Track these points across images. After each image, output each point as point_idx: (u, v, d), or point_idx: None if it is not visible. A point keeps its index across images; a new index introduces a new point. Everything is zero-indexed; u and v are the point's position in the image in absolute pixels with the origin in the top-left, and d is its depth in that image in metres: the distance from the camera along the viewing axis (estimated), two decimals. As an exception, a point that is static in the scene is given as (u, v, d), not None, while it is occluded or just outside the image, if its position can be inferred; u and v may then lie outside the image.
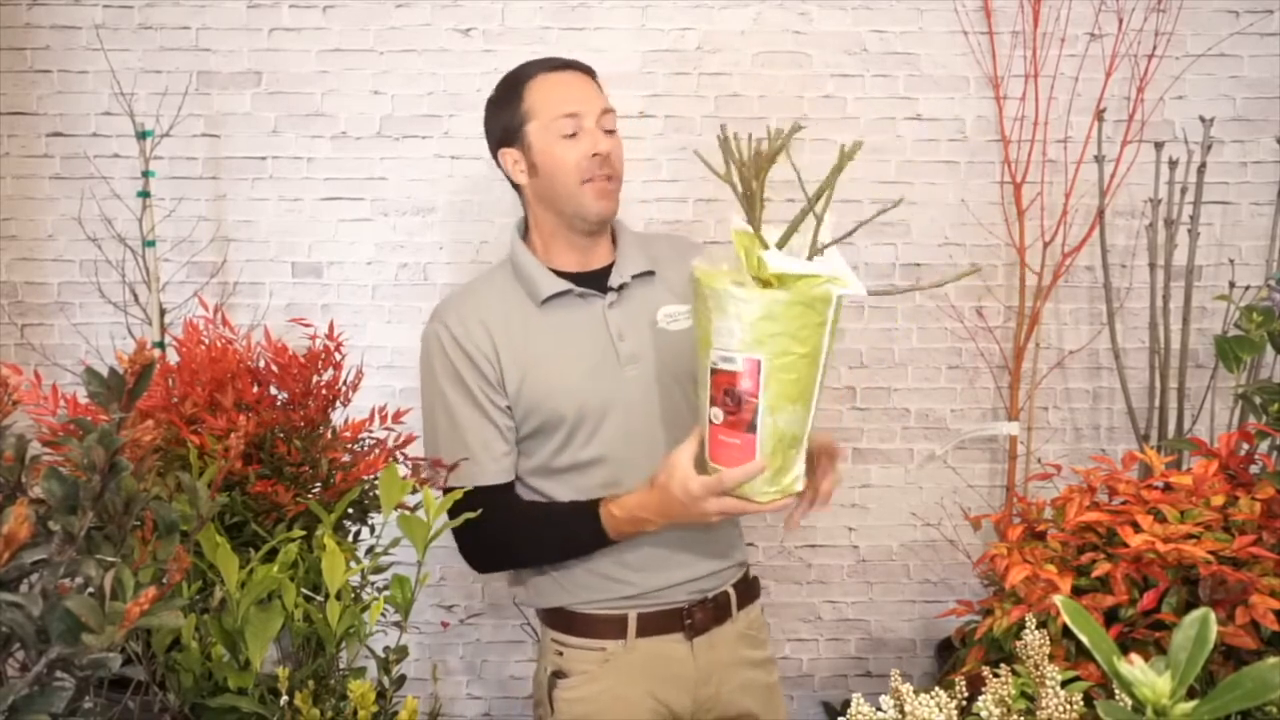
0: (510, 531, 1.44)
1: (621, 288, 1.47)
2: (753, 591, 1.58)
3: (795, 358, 1.18)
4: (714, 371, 1.21)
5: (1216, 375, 2.17)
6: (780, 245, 1.20)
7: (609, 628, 1.46)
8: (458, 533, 1.37)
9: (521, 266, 1.49)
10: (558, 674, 1.48)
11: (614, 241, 1.54)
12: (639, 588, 1.45)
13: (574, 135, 1.42)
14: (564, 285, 1.46)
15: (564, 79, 1.45)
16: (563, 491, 1.46)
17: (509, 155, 1.48)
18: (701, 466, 1.29)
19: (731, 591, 1.52)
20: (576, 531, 1.42)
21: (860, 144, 1.22)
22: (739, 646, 1.52)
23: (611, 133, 1.45)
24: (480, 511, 1.27)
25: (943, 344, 2.28)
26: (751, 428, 1.20)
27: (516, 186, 1.51)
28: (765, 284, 1.19)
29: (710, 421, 1.24)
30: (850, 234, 1.25)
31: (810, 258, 1.19)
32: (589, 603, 1.47)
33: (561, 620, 1.50)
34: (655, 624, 1.46)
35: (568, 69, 1.46)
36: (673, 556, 1.45)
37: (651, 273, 1.51)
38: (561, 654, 1.49)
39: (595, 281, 1.48)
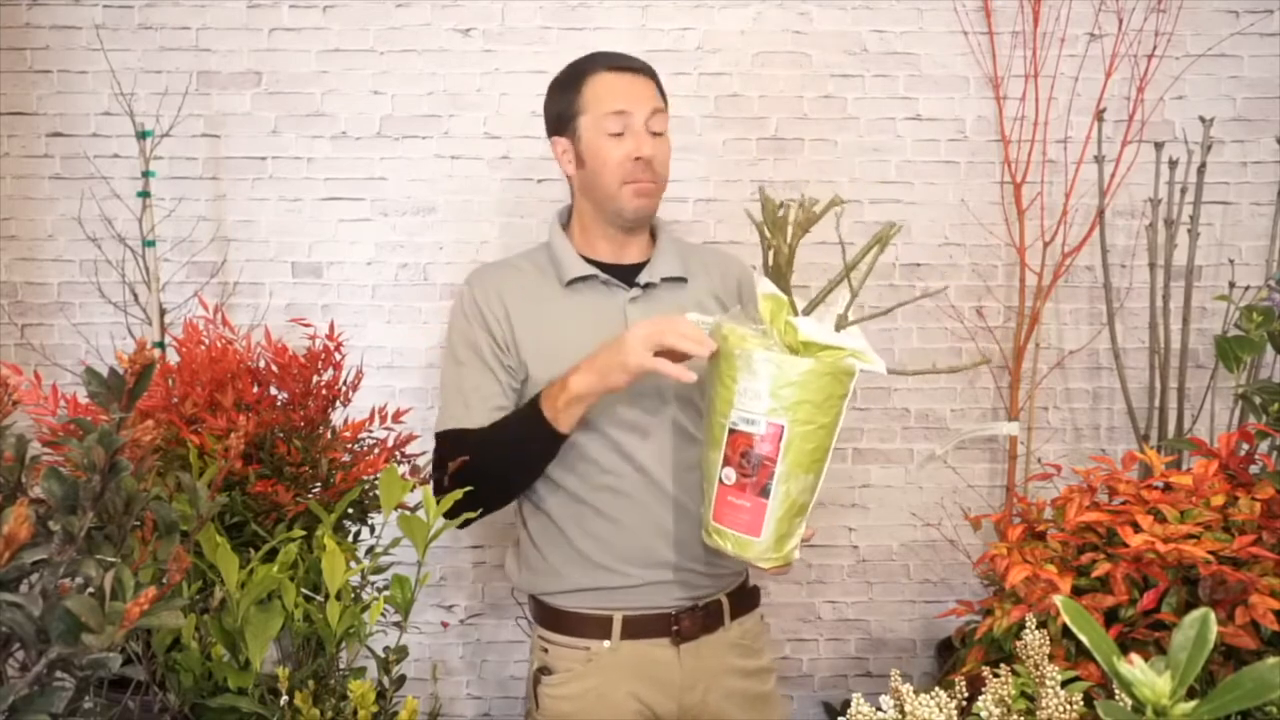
0: (479, 458, 1.39)
1: (648, 286, 1.50)
2: (750, 601, 1.58)
3: (816, 427, 1.20)
4: (732, 432, 1.21)
5: (1216, 375, 2.17)
6: (807, 312, 1.22)
7: (594, 627, 1.47)
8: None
9: (554, 250, 1.53)
10: (543, 670, 1.49)
11: (654, 240, 1.56)
12: (626, 579, 1.45)
13: (620, 134, 1.45)
14: (589, 270, 1.49)
15: (621, 79, 1.47)
16: (567, 479, 1.47)
17: (559, 144, 1.51)
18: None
19: (725, 600, 1.51)
20: (522, 424, 1.42)
21: (900, 226, 1.24)
22: (729, 655, 1.51)
23: (659, 134, 1.47)
24: (461, 452, 1.35)
25: (943, 344, 2.28)
26: (765, 492, 1.21)
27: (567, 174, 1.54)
28: (791, 349, 1.21)
29: (721, 481, 1.24)
30: (885, 312, 1.29)
31: (838, 329, 1.21)
32: (576, 592, 1.47)
33: (548, 617, 1.51)
34: (640, 627, 1.46)
35: (628, 70, 1.48)
36: (662, 553, 1.45)
37: (684, 279, 1.53)
38: (547, 651, 1.50)
39: (625, 274, 1.51)
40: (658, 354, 1.28)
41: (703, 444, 1.32)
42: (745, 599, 1.56)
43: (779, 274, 1.23)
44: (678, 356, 1.28)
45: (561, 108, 1.49)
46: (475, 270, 1.58)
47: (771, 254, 1.24)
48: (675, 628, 1.46)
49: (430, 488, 1.28)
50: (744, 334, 1.23)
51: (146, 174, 2.01)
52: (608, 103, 1.45)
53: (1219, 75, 2.24)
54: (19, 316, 2.20)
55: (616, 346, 1.31)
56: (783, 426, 1.18)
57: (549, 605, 1.51)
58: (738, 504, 1.23)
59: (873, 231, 1.26)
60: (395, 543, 1.22)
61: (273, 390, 1.32)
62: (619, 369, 1.31)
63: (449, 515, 1.22)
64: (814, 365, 1.18)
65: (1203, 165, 2.12)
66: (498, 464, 1.42)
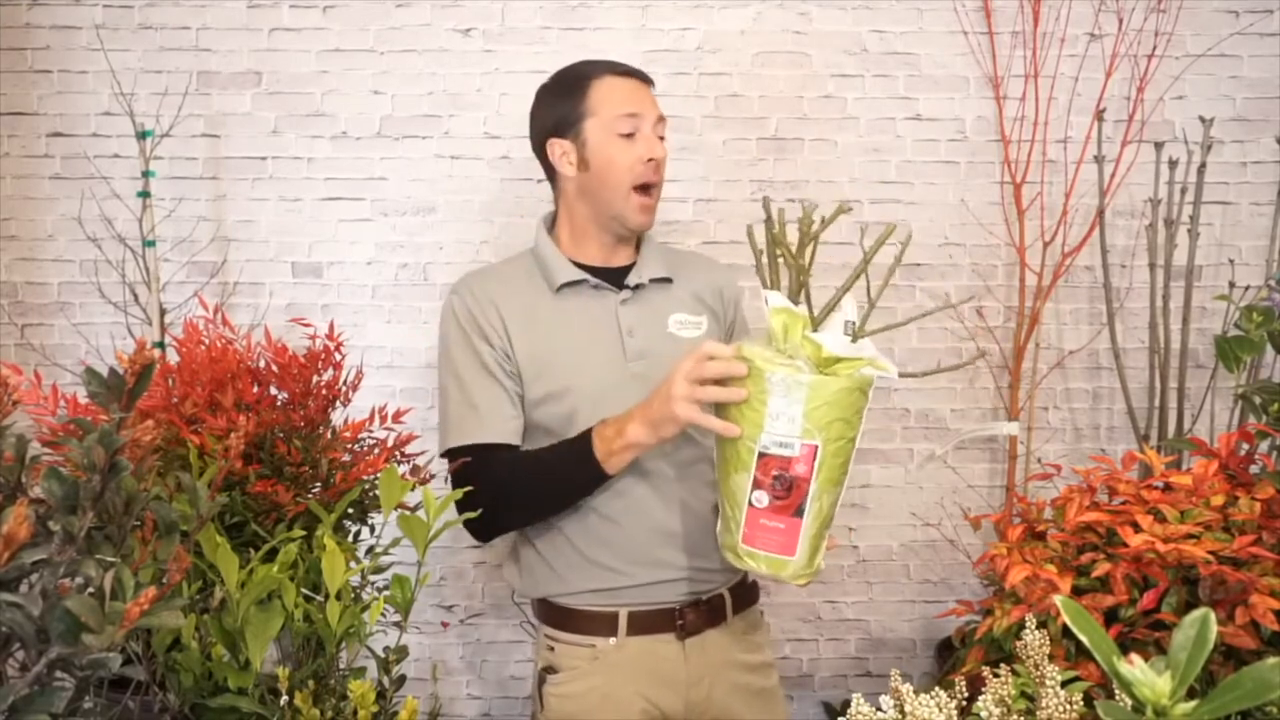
0: (510, 484, 1.41)
1: (637, 287, 1.51)
2: (751, 595, 1.58)
3: (845, 442, 1.20)
4: (763, 455, 1.20)
5: (1216, 375, 2.17)
6: (817, 324, 1.22)
7: (599, 625, 1.47)
8: (460, 503, 1.35)
9: (542, 255, 1.53)
10: (548, 669, 1.49)
11: (637, 244, 1.57)
12: (630, 579, 1.45)
13: (631, 136, 1.45)
14: (579, 274, 1.49)
15: (628, 84, 1.48)
16: None
17: (558, 146, 1.49)
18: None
19: (727, 594, 1.52)
20: (568, 459, 1.39)
21: (909, 238, 1.25)
22: (733, 650, 1.52)
23: (662, 140, 1.49)
24: (483, 470, 1.36)
25: (943, 344, 2.28)
26: (799, 512, 1.20)
27: (553, 178, 1.54)
28: (814, 365, 1.20)
29: (752, 505, 1.22)
30: (901, 324, 1.31)
31: (854, 340, 1.21)
32: (581, 593, 1.47)
33: (554, 615, 1.50)
34: (646, 623, 1.46)
35: (632, 76, 1.49)
36: (665, 552, 1.46)
37: (669, 280, 1.54)
38: (552, 649, 1.49)
39: (613, 277, 1.51)
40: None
41: (720, 465, 1.29)
42: (746, 593, 1.57)
43: (795, 288, 1.23)
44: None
45: (563, 111, 1.48)
46: (461, 280, 1.54)
47: (787, 268, 1.24)
48: (680, 622, 1.47)
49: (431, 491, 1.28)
50: (768, 355, 1.21)
51: (146, 174, 2.01)
52: (619, 105, 1.45)
53: (1219, 75, 2.24)
54: (19, 316, 2.20)
55: (664, 397, 1.29)
56: (817, 447, 1.18)
57: (554, 604, 1.51)
58: (771, 526, 1.22)
59: (875, 232, 1.27)
60: (395, 543, 1.22)
61: (273, 390, 1.32)
62: (670, 422, 1.30)
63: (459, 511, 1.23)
64: (846, 383, 1.18)
65: (1203, 165, 2.12)
66: (534, 492, 1.42)
